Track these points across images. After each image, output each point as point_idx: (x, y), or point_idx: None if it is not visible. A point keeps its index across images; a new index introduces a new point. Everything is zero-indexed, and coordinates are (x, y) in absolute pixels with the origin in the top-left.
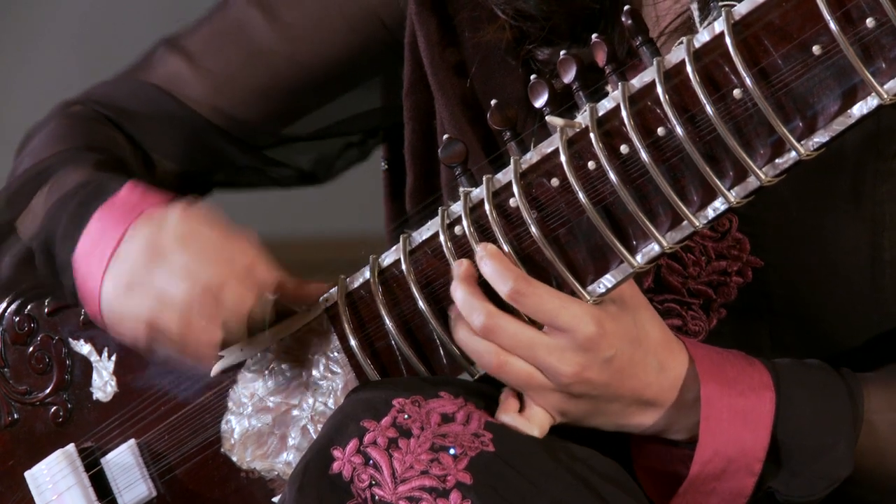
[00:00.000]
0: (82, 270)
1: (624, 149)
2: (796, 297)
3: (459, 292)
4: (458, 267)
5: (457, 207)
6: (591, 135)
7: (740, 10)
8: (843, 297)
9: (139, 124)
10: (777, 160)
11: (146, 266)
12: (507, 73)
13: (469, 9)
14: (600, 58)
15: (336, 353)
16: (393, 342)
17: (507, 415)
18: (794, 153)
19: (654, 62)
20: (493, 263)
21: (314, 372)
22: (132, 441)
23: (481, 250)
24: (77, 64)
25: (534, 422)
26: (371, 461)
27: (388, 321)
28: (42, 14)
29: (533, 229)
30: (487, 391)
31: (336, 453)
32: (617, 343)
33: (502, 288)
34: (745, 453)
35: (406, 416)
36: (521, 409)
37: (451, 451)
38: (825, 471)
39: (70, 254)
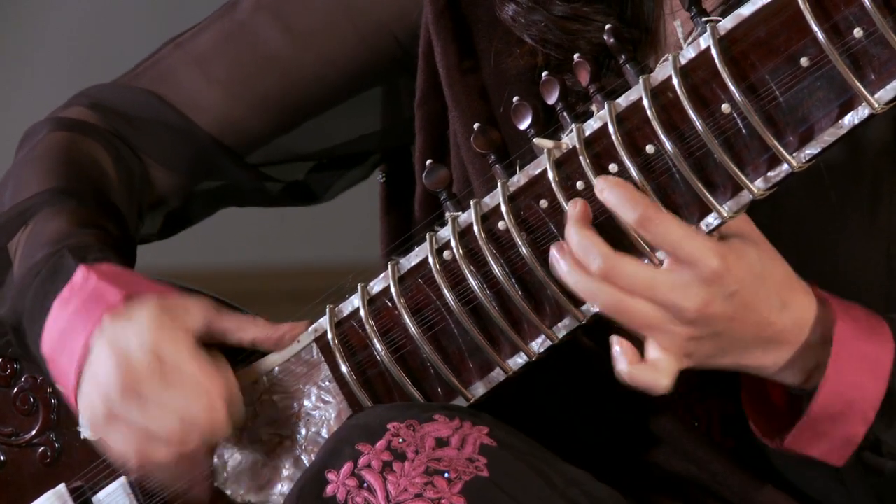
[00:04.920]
0: (54, 371)
1: (613, 168)
2: None
3: (575, 235)
4: (573, 207)
5: (445, 232)
6: (580, 155)
7: (726, 24)
8: None
9: (141, 131)
10: (769, 173)
11: (121, 398)
12: (523, 89)
13: (486, 20)
14: (583, 77)
15: (327, 383)
16: (385, 370)
17: (632, 366)
18: (785, 166)
19: (640, 80)
20: (618, 191)
21: (306, 402)
22: (123, 479)
23: (601, 182)
24: (76, 63)
25: (660, 369)
26: (365, 484)
27: (379, 349)
28: (42, 14)
29: (524, 251)
30: (483, 415)
31: (330, 476)
32: (741, 278)
33: (630, 215)
34: (864, 399)
35: (400, 440)
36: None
37: (446, 475)
38: None
39: (38, 341)
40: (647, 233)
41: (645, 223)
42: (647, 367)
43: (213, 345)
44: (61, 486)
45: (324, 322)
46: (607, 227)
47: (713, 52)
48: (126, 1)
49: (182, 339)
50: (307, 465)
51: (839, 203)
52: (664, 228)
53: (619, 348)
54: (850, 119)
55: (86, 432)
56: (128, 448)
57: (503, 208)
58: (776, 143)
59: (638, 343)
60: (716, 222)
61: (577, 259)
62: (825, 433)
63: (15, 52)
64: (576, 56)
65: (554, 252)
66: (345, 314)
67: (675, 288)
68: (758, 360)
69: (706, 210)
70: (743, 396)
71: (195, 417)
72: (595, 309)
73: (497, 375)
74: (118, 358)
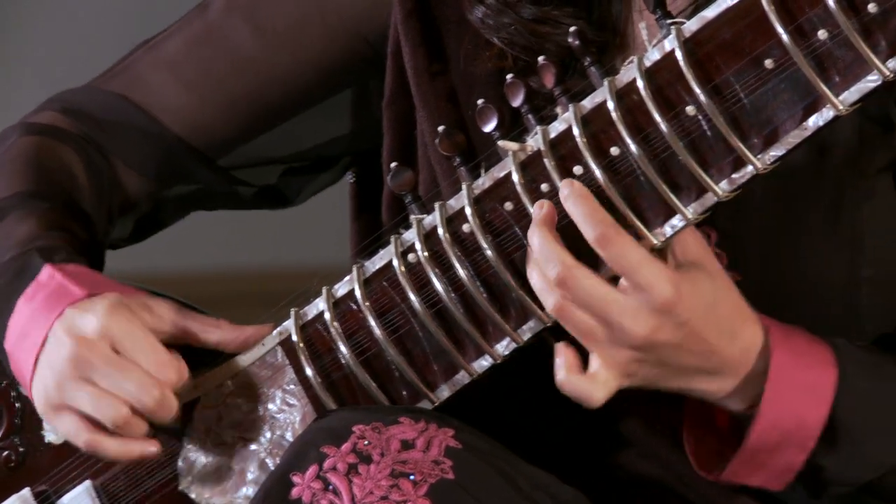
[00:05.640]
0: (14, 366)
1: (577, 170)
2: (772, 313)
3: (536, 238)
4: (538, 209)
5: (410, 235)
6: (545, 158)
7: (690, 27)
8: (818, 314)
9: (112, 135)
10: (734, 175)
11: (73, 382)
12: (492, 91)
13: (455, 21)
14: (548, 80)
15: (292, 386)
16: (350, 372)
17: (570, 375)
18: (750, 167)
19: (605, 82)
20: (581, 204)
21: (270, 405)
22: (88, 483)
23: (567, 188)
24: (76, 63)
25: (598, 382)
26: (331, 486)
27: (344, 352)
28: (42, 14)
29: (489, 253)
30: (449, 418)
31: (295, 479)
32: (693, 307)
33: (589, 232)
34: (802, 428)
35: (366, 443)
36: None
37: (411, 478)
38: (875, 455)
39: (2, 339)
40: (605, 252)
41: (603, 242)
42: (585, 379)
43: (175, 346)
44: (26, 491)
45: (288, 325)
46: (573, 230)
47: (678, 54)
48: (126, 2)
49: (139, 330)
50: (272, 468)
51: (802, 211)
52: (622, 250)
53: (561, 358)
54: (815, 121)
55: (50, 436)
56: (77, 434)
57: (468, 211)
58: (741, 145)
59: (583, 353)
60: (680, 224)
61: (537, 263)
62: (763, 464)
63: (15, 53)
64: (540, 59)
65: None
66: (310, 317)
67: (625, 311)
68: (701, 386)
69: (671, 212)
70: (685, 427)
71: (145, 406)
72: None
73: (462, 378)
74: (73, 343)
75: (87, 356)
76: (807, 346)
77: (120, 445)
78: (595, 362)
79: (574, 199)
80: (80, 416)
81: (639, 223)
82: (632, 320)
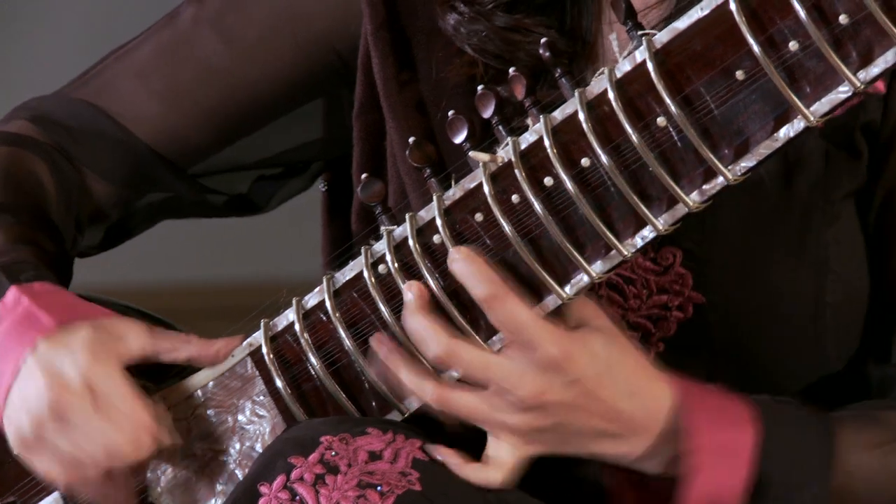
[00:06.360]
0: None
1: (548, 181)
2: (736, 336)
3: (417, 320)
4: (409, 291)
5: (380, 246)
6: (516, 169)
7: (661, 38)
8: (783, 339)
9: (82, 144)
10: (704, 186)
11: (50, 422)
12: (462, 100)
13: (425, 32)
14: (518, 91)
15: (262, 397)
16: (320, 383)
17: (465, 468)
18: (721, 179)
19: (576, 93)
20: (469, 265)
21: (240, 417)
22: (56, 494)
23: (455, 253)
24: (76, 63)
25: (493, 465)
26: (298, 497)
27: (314, 363)
28: (41, 14)
29: None
30: (416, 429)
31: (263, 489)
32: (583, 366)
33: (478, 291)
34: (728, 489)
35: (333, 453)
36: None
37: (378, 489)
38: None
39: None
40: (492, 311)
41: (491, 301)
42: (479, 467)
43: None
44: None
45: (258, 336)
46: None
47: (649, 65)
48: (99, 8)
49: (115, 370)
50: (241, 479)
51: (769, 234)
52: (510, 309)
53: (450, 459)
54: (786, 132)
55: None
56: (51, 469)
57: (438, 222)
58: (711, 156)
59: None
60: (651, 235)
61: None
62: None
63: (15, 52)
64: (511, 70)
65: (375, 345)
66: (279, 328)
67: (511, 373)
68: (608, 449)
69: (641, 223)
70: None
71: (120, 449)
72: None
73: None
74: (51, 382)
75: (65, 400)
76: (720, 404)
77: (94, 478)
78: (491, 444)
79: (462, 260)
80: (56, 457)
81: (610, 234)
82: (518, 380)
